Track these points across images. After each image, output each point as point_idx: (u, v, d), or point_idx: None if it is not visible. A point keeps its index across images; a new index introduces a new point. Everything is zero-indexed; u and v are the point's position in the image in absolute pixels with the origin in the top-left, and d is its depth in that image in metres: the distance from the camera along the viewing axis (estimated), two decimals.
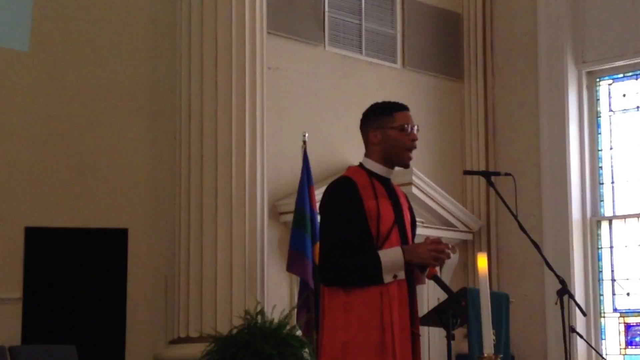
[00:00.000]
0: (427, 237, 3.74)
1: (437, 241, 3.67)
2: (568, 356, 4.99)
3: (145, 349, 7.72)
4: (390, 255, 3.62)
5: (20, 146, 7.70)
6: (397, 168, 3.92)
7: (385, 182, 3.83)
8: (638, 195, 9.61)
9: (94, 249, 7.89)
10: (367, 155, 3.87)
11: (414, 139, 3.82)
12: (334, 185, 3.79)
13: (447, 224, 9.43)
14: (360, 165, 3.86)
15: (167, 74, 7.89)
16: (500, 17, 10.26)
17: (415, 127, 3.83)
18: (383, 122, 3.81)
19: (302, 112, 8.59)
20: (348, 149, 8.69)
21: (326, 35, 8.94)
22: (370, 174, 3.80)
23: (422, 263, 3.69)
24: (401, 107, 3.87)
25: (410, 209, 3.96)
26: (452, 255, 3.76)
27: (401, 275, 3.64)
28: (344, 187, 3.73)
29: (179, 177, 7.50)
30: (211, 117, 7.34)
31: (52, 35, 7.89)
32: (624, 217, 9.67)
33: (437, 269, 3.81)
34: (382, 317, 3.60)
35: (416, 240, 3.92)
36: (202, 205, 7.27)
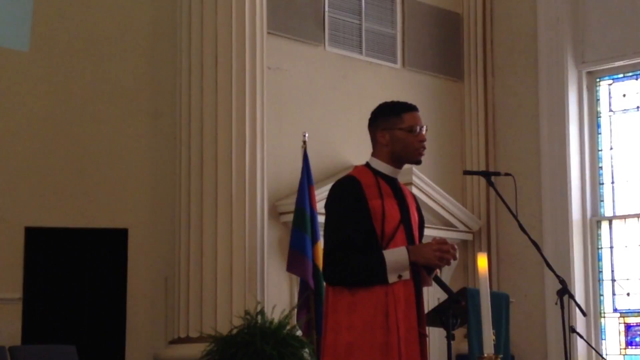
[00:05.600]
0: (434, 238, 3.71)
1: (443, 242, 3.64)
2: (568, 356, 4.98)
3: (145, 349, 7.72)
4: (395, 255, 3.60)
5: (20, 146, 7.70)
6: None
7: (392, 181, 3.80)
8: (638, 195, 9.61)
9: (94, 249, 7.89)
10: (374, 154, 3.84)
11: (422, 140, 3.79)
12: (338, 184, 3.76)
13: (447, 224, 9.44)
14: (367, 164, 3.83)
15: (167, 74, 7.89)
16: (500, 17, 10.26)
17: (424, 128, 3.81)
18: (391, 123, 3.77)
19: (302, 112, 8.59)
20: (348, 149, 8.69)
21: (326, 35, 8.94)
22: (376, 173, 3.77)
23: (427, 264, 3.66)
24: (410, 108, 3.83)
25: (418, 209, 3.93)
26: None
27: (406, 275, 3.61)
28: (348, 186, 3.71)
29: (179, 177, 7.50)
30: (211, 117, 7.33)
31: (52, 35, 7.89)
32: (624, 217, 9.67)
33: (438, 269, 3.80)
34: (387, 318, 3.58)
35: (424, 241, 3.89)
36: (202, 205, 7.27)
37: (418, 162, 3.85)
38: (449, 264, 3.71)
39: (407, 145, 3.78)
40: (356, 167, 3.87)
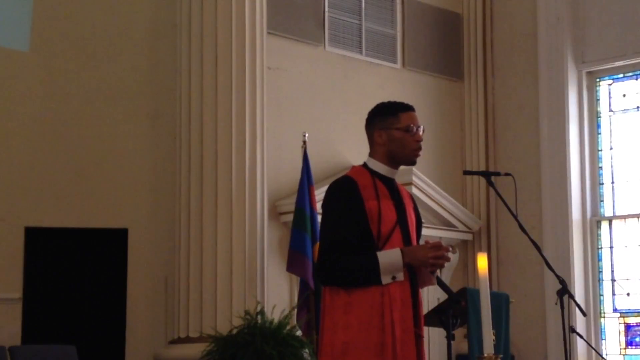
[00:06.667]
0: (427, 241, 3.72)
1: (438, 246, 3.65)
2: (568, 356, 4.99)
3: (145, 349, 7.72)
4: (389, 257, 3.60)
5: (20, 146, 7.70)
6: (400, 167, 3.91)
7: (389, 182, 3.81)
8: (638, 195, 9.61)
9: (94, 249, 7.89)
10: (371, 155, 3.84)
11: (419, 140, 3.79)
12: (334, 184, 3.77)
13: (447, 224, 9.43)
14: (364, 165, 3.84)
15: (167, 74, 7.89)
16: (500, 17, 10.26)
17: (421, 128, 3.81)
18: (388, 123, 3.78)
19: (302, 112, 8.59)
20: (348, 149, 8.69)
21: (326, 35, 8.94)
22: (373, 174, 3.78)
23: (421, 266, 3.67)
24: (406, 108, 3.84)
25: (416, 209, 3.93)
26: (452, 256, 3.74)
27: (400, 276, 3.61)
28: (344, 187, 3.71)
29: (179, 177, 7.50)
30: (211, 117, 7.34)
31: (52, 35, 7.89)
32: (624, 217, 9.67)
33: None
34: (383, 318, 3.58)
35: (421, 242, 3.89)
36: (202, 205, 7.28)
37: (413, 163, 3.85)
38: (442, 266, 3.72)
39: (404, 144, 3.78)
40: (353, 167, 3.87)
